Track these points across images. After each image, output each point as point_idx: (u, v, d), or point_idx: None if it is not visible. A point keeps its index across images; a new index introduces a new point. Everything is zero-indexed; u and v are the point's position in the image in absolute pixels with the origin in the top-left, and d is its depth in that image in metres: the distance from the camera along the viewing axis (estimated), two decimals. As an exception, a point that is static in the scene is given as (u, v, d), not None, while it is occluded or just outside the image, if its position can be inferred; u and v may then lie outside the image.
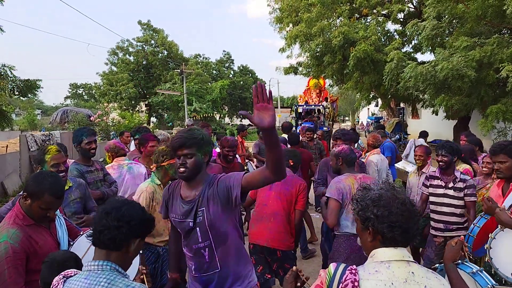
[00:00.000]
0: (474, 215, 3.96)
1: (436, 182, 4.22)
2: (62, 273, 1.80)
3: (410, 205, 1.64)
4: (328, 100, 20.51)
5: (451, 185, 4.11)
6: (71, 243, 2.66)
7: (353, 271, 1.57)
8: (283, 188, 3.97)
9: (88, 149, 4.08)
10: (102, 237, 1.71)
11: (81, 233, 2.74)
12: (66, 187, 3.41)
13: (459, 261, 2.39)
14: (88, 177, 4.00)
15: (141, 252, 2.66)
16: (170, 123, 34.58)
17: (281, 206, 3.94)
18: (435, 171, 4.34)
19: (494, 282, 2.44)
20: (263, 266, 3.94)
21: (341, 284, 1.55)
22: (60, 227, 2.63)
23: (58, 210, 2.73)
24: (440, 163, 4.15)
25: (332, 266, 1.62)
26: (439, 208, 4.17)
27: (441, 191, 4.17)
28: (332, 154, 4.12)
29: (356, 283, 1.53)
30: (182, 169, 2.32)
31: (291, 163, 4.43)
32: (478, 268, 2.48)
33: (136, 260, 2.60)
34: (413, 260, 1.63)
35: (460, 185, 4.06)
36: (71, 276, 1.76)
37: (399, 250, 1.61)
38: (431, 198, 4.25)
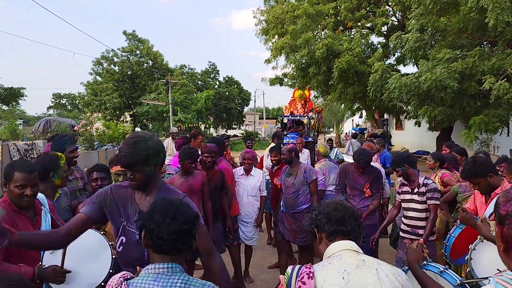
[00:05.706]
0: (434, 218, 4.14)
1: (405, 188, 4.41)
2: (119, 274, 1.69)
3: (346, 206, 1.91)
4: (314, 111, 20.66)
5: (416, 190, 4.27)
6: None
7: (308, 266, 1.74)
8: None
9: (71, 158, 3.99)
10: (174, 244, 1.63)
11: None
12: (57, 195, 3.41)
13: (424, 262, 2.63)
14: (66, 186, 3.73)
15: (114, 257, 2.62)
16: (155, 134, 34.36)
17: None
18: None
19: (461, 278, 2.60)
20: None
21: (298, 278, 1.70)
22: (45, 222, 2.76)
23: (48, 206, 2.85)
24: (400, 177, 4.42)
25: (289, 268, 1.78)
26: (407, 213, 4.36)
27: (408, 196, 4.35)
28: (285, 149, 5.26)
29: (311, 274, 1.69)
30: (132, 183, 2.24)
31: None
32: (443, 267, 2.66)
33: (107, 264, 2.62)
34: (362, 253, 1.80)
35: (423, 189, 4.22)
36: (128, 279, 1.66)
37: (347, 242, 1.79)
38: (402, 204, 4.45)
